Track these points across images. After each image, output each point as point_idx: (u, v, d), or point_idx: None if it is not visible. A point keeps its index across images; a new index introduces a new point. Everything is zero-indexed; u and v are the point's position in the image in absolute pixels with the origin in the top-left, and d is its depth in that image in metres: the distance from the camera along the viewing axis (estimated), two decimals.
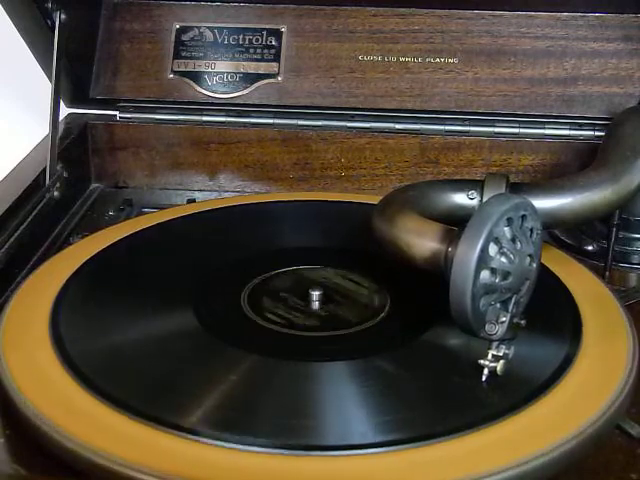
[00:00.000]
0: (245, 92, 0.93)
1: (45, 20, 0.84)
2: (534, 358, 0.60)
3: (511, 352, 0.58)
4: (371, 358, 0.61)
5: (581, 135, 0.89)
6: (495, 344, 0.58)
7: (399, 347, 0.62)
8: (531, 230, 0.60)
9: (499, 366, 0.57)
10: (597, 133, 0.88)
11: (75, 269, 0.70)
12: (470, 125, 0.90)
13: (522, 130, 0.89)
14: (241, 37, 0.93)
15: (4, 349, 0.61)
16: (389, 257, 0.65)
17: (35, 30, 0.85)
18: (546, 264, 0.69)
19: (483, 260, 0.56)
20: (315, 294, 0.68)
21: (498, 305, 0.58)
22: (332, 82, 0.92)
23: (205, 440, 0.52)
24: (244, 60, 0.93)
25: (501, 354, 0.57)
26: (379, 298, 0.69)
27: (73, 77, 0.91)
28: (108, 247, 0.74)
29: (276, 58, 0.92)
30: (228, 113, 0.92)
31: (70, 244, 0.80)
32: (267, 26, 0.93)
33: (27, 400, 0.56)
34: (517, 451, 0.52)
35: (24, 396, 0.56)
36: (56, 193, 0.83)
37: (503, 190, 0.70)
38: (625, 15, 0.88)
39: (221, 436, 0.52)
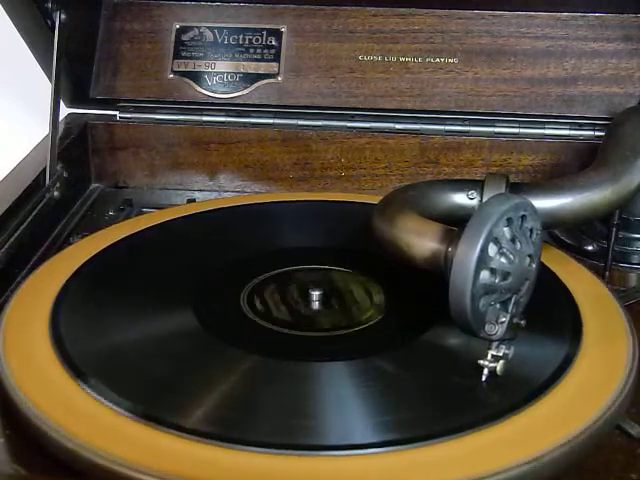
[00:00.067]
0: (245, 92, 0.93)
1: (45, 20, 0.84)
2: (534, 358, 0.60)
3: (511, 352, 0.58)
4: (371, 358, 0.61)
5: (581, 135, 0.89)
6: (495, 344, 0.58)
7: (399, 347, 0.62)
8: (531, 230, 0.60)
9: (499, 366, 0.57)
10: (597, 133, 0.88)
11: (75, 269, 0.70)
12: (470, 125, 0.90)
13: (522, 130, 0.89)
14: (241, 37, 0.93)
15: (4, 349, 0.61)
16: (389, 257, 0.65)
17: (35, 30, 0.85)
18: (546, 264, 0.69)
19: (483, 260, 0.56)
20: (315, 294, 0.68)
21: (498, 305, 0.58)
22: (332, 82, 0.92)
23: (205, 440, 0.52)
24: (244, 60, 0.93)
25: (501, 354, 0.57)
26: (379, 298, 0.69)
27: (73, 77, 0.91)
28: (108, 247, 0.74)
29: (276, 58, 0.92)
30: (228, 113, 0.92)
31: (70, 244, 0.80)
32: (267, 26, 0.93)
33: (27, 400, 0.56)
34: (517, 451, 0.52)
35: (24, 396, 0.56)
36: (56, 193, 0.83)
37: (503, 190, 0.70)
38: (625, 15, 0.88)
39: (221, 436, 0.52)
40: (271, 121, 0.92)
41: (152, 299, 0.68)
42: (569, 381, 0.58)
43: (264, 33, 0.93)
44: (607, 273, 0.75)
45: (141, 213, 0.88)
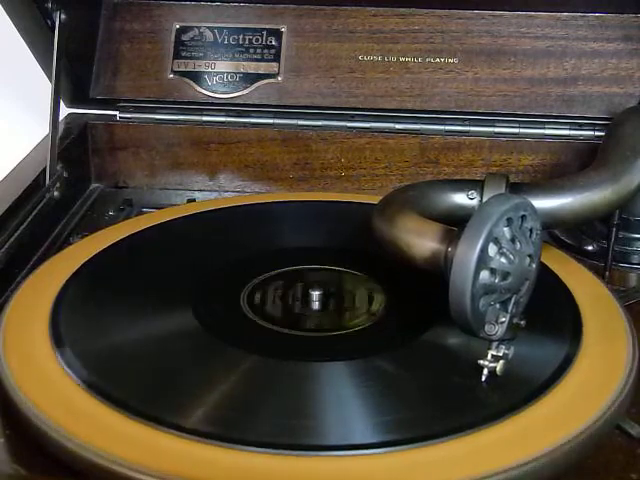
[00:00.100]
0: (245, 92, 0.93)
1: (45, 20, 0.84)
2: (534, 358, 0.60)
3: (511, 352, 0.58)
4: (371, 358, 0.61)
5: (581, 135, 0.89)
6: (495, 344, 0.58)
7: (399, 347, 0.62)
8: (531, 230, 0.60)
9: (499, 366, 0.57)
10: (597, 133, 0.88)
11: (75, 269, 0.70)
12: (470, 125, 0.90)
13: (522, 130, 0.89)
14: (241, 37, 0.93)
15: (4, 349, 0.61)
16: (389, 257, 0.65)
17: (35, 30, 0.85)
18: (546, 264, 0.69)
19: (483, 260, 0.56)
20: (315, 294, 0.68)
21: (498, 305, 0.58)
22: (332, 82, 0.92)
23: (205, 440, 0.52)
24: (244, 60, 0.93)
25: (501, 354, 0.57)
26: (379, 298, 0.69)
27: (73, 77, 0.91)
28: (108, 247, 0.74)
29: (276, 58, 0.92)
30: (228, 113, 0.92)
31: (70, 244, 0.80)
32: (267, 26, 0.93)
33: (27, 400, 0.56)
34: (517, 451, 0.52)
35: (24, 396, 0.56)
36: (56, 193, 0.83)
37: (503, 190, 0.70)
38: (625, 15, 0.88)
39: (221, 436, 0.52)
40: (271, 121, 0.92)
41: (152, 299, 0.68)
42: (569, 381, 0.58)
43: (264, 33, 0.93)
44: (607, 273, 0.75)
45: (141, 213, 0.88)
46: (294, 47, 0.92)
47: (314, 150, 0.92)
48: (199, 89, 0.93)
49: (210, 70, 0.93)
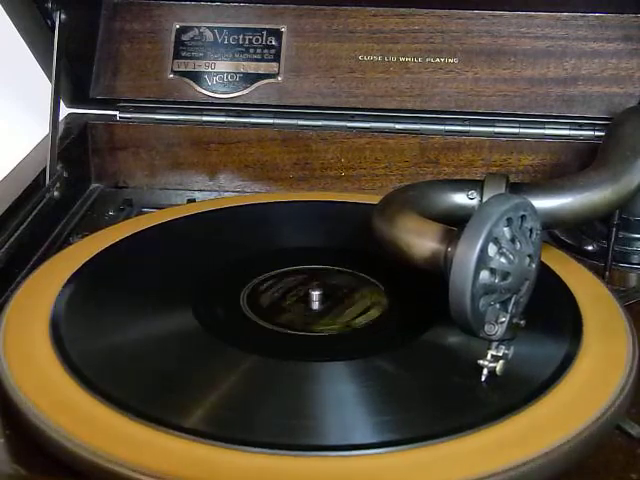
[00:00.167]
0: (245, 92, 0.93)
1: (45, 20, 0.84)
2: (534, 358, 0.60)
3: (510, 352, 0.58)
4: (371, 358, 0.61)
5: (581, 135, 0.89)
6: (495, 344, 0.58)
7: (399, 347, 0.62)
8: (531, 230, 0.60)
9: (498, 366, 0.57)
10: (597, 133, 0.88)
11: (75, 269, 0.70)
12: (470, 125, 0.90)
13: (522, 130, 0.89)
14: (241, 37, 0.93)
15: (4, 349, 0.61)
16: (389, 257, 0.65)
17: (35, 30, 0.85)
18: (546, 264, 0.69)
19: (482, 260, 0.56)
20: (315, 294, 0.68)
21: (497, 305, 0.58)
22: (332, 82, 0.92)
23: (205, 440, 0.52)
24: (244, 60, 0.93)
25: (500, 354, 0.57)
26: (379, 298, 0.69)
27: (73, 77, 0.91)
28: (108, 247, 0.74)
29: (276, 58, 0.92)
30: (228, 113, 0.92)
31: (70, 244, 0.80)
32: (267, 26, 0.93)
33: (27, 400, 0.56)
34: (517, 451, 0.52)
35: (24, 396, 0.56)
36: (56, 193, 0.83)
37: (503, 190, 0.70)
38: (625, 15, 0.88)
39: (221, 436, 0.52)
40: (271, 121, 0.92)
41: (152, 299, 0.68)
42: (569, 381, 0.58)
43: (264, 33, 0.93)
44: (607, 273, 0.75)
45: (141, 213, 0.88)
46: (294, 47, 0.92)
47: (314, 150, 0.92)
48: (199, 89, 0.93)
49: (210, 70, 0.93)
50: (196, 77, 0.93)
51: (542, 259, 0.62)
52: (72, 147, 0.90)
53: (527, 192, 0.69)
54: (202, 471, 0.51)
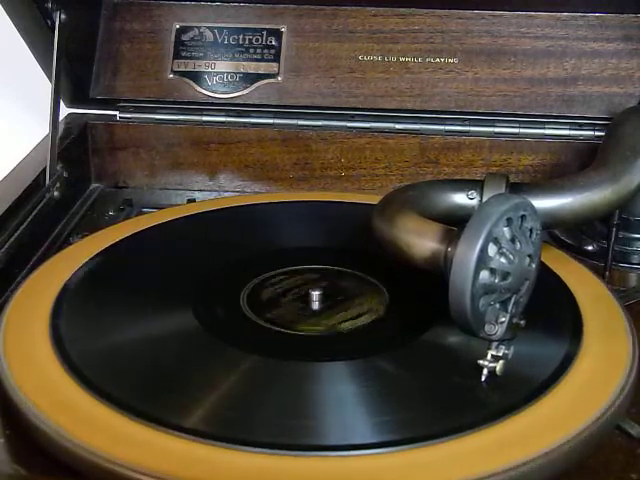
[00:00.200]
0: (245, 92, 0.93)
1: (45, 20, 0.84)
2: (534, 358, 0.60)
3: (510, 352, 0.58)
4: (371, 358, 0.61)
5: (581, 135, 0.89)
6: (494, 344, 0.58)
7: (399, 347, 0.62)
8: (530, 230, 0.60)
9: (498, 366, 0.57)
10: (597, 133, 0.88)
11: (75, 269, 0.70)
12: (470, 125, 0.90)
13: (522, 130, 0.89)
14: (241, 37, 0.93)
15: (4, 349, 0.61)
16: (389, 257, 0.65)
17: (35, 30, 0.85)
18: (546, 264, 0.69)
19: (482, 260, 0.56)
20: (315, 294, 0.68)
21: (497, 305, 0.58)
22: (332, 82, 0.92)
23: (205, 440, 0.52)
24: (244, 60, 0.93)
25: (500, 354, 0.57)
26: (379, 298, 0.69)
27: (73, 77, 0.91)
28: (108, 247, 0.74)
29: (276, 58, 0.92)
30: (228, 113, 0.92)
31: (70, 244, 0.80)
32: (267, 26, 0.93)
33: (27, 400, 0.56)
34: (517, 451, 0.52)
35: (24, 396, 0.56)
36: (56, 193, 0.83)
37: (503, 190, 0.70)
38: (625, 15, 0.88)
39: (221, 436, 0.52)
40: (271, 121, 0.92)
41: (152, 299, 0.68)
42: (569, 381, 0.58)
43: (264, 33, 0.93)
44: (607, 273, 0.75)
45: (141, 213, 0.88)
46: (294, 47, 0.92)
47: (314, 150, 0.92)
48: (199, 89, 0.93)
49: (210, 70, 0.93)
50: (196, 77, 0.93)
51: (542, 259, 0.62)
52: (72, 147, 0.90)
53: (527, 192, 0.69)
54: (202, 471, 0.51)
